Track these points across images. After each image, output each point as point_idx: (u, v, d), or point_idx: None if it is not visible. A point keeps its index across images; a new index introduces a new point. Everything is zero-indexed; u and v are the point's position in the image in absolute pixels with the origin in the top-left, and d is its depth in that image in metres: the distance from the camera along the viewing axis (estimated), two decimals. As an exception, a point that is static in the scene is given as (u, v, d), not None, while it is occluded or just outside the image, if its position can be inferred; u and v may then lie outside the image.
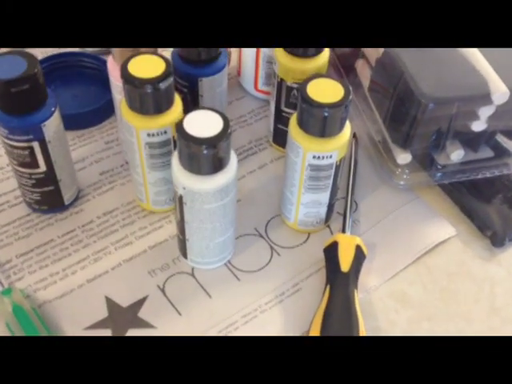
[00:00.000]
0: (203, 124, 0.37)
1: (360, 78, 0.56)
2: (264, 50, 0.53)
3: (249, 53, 0.55)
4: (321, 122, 0.40)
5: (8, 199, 0.48)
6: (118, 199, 0.49)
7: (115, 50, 0.44)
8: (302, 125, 0.41)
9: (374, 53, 0.53)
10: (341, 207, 0.49)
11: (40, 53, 0.61)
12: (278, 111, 0.50)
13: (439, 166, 0.50)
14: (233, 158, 0.39)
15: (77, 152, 0.52)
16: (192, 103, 0.47)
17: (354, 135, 0.53)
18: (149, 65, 0.40)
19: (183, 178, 0.38)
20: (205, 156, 0.37)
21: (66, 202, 0.47)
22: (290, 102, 0.49)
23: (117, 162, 0.52)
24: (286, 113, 0.50)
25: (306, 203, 0.45)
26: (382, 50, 0.51)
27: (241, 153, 0.53)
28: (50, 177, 0.45)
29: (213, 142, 0.36)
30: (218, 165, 0.38)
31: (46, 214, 0.48)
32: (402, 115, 0.47)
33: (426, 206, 0.50)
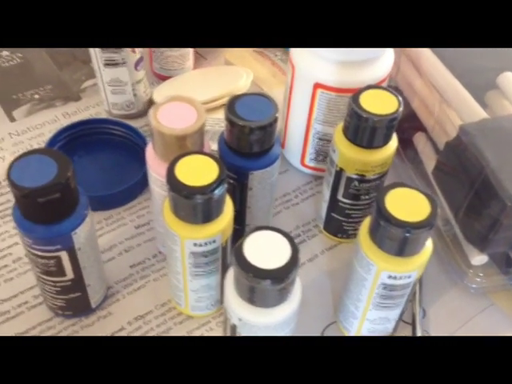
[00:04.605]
0: (266, 249, 0.31)
1: (421, 156, 0.50)
2: (315, 126, 0.47)
3: (297, 126, 0.49)
4: (401, 241, 0.34)
5: (26, 299, 0.42)
6: (152, 299, 0.43)
7: (157, 143, 0.38)
8: (377, 240, 0.35)
9: (442, 133, 0.47)
10: (407, 313, 0.42)
11: (63, 117, 0.55)
12: (334, 200, 0.44)
13: (518, 268, 0.44)
14: (297, 285, 0.33)
15: (104, 238, 0.46)
16: (240, 196, 0.41)
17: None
18: (199, 168, 0.34)
19: (239, 309, 0.32)
20: (269, 290, 0.31)
21: (93, 305, 0.41)
22: (349, 192, 0.43)
23: (149, 252, 0.46)
24: (344, 203, 0.44)
25: (373, 319, 0.39)
26: (453, 132, 0.45)
27: (288, 241, 0.47)
28: (78, 284, 0.39)
29: (280, 276, 0.30)
30: (282, 297, 0.32)
31: (69, 319, 0.42)
32: (481, 215, 0.41)
33: (503, 314, 0.44)
